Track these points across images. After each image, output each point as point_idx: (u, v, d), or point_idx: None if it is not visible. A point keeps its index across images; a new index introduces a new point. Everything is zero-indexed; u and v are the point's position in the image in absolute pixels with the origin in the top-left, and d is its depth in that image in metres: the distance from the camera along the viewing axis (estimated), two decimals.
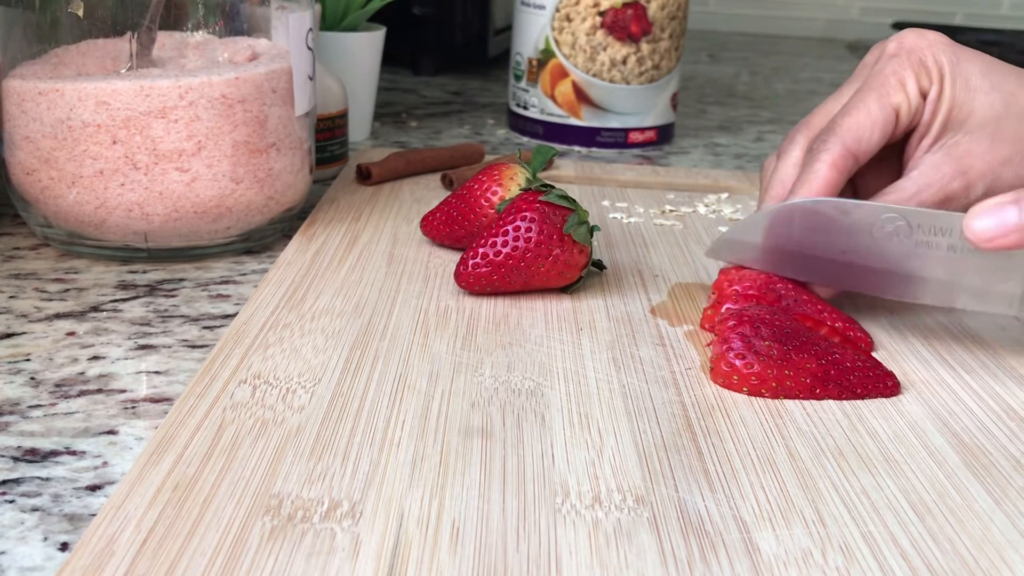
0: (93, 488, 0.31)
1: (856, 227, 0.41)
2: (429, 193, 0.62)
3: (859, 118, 0.43)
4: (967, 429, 0.37)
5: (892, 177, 0.48)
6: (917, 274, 0.41)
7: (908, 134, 0.45)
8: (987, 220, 0.37)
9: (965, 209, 0.42)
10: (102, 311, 0.44)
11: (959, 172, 0.43)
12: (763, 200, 0.47)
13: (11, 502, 0.30)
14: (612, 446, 0.34)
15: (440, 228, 0.51)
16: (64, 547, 0.28)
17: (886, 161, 0.46)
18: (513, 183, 0.49)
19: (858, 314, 0.46)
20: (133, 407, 0.36)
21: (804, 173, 0.43)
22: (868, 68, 0.47)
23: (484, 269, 0.45)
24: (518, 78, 0.82)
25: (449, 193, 0.55)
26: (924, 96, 0.44)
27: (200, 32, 0.51)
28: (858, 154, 0.43)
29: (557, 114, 0.80)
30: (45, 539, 0.29)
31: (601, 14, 0.76)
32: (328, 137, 0.66)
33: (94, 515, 0.30)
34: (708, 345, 0.41)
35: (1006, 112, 0.43)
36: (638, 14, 0.76)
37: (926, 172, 0.43)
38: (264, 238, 0.53)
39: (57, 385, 0.38)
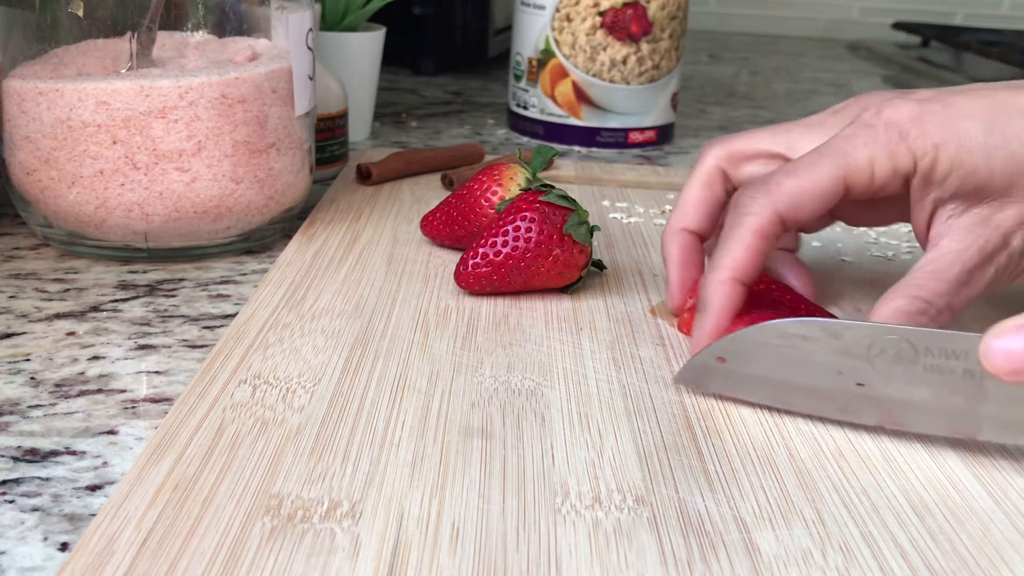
0: (93, 488, 0.31)
1: (849, 351, 0.35)
2: (429, 193, 0.62)
3: (802, 184, 0.39)
4: None
5: (878, 212, 0.44)
6: (927, 403, 0.35)
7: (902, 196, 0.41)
8: (1012, 342, 0.31)
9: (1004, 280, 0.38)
10: (102, 311, 0.44)
11: (990, 231, 0.38)
12: (669, 223, 0.45)
13: (11, 502, 0.30)
14: (612, 446, 0.34)
15: (440, 228, 0.51)
16: (64, 547, 0.28)
17: (872, 200, 0.42)
18: (513, 183, 0.49)
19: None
20: (133, 407, 0.36)
21: (727, 239, 0.39)
22: (835, 122, 0.42)
23: (484, 269, 0.45)
24: (518, 78, 0.82)
25: (449, 193, 0.55)
26: (905, 176, 0.39)
27: (200, 32, 0.51)
28: (788, 222, 0.39)
29: (557, 114, 0.80)
30: (45, 539, 0.29)
31: (601, 14, 0.76)
32: (328, 137, 0.66)
33: (94, 515, 0.30)
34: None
35: None
36: (638, 14, 0.76)
37: (954, 238, 0.39)
38: (264, 238, 0.53)
39: (57, 385, 0.38)
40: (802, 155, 0.40)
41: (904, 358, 0.34)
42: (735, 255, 0.39)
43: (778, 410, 0.37)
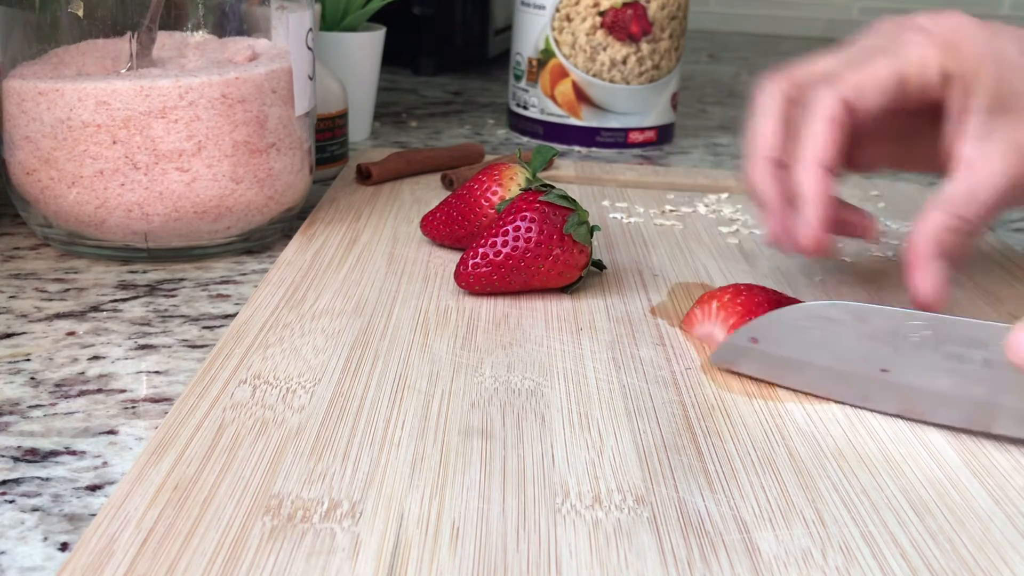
0: (93, 488, 0.31)
1: (875, 336, 0.36)
2: (429, 193, 0.62)
3: (863, 76, 0.41)
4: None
5: (888, 151, 0.46)
6: (947, 391, 0.35)
7: (924, 118, 0.43)
8: None
9: None
10: (102, 311, 0.44)
11: (1020, 156, 0.40)
12: (752, 156, 0.45)
13: (11, 502, 0.30)
14: (612, 446, 0.34)
15: (440, 228, 0.51)
16: (64, 547, 0.28)
17: (885, 132, 0.44)
18: (513, 183, 0.49)
19: None
20: (133, 407, 0.36)
21: (805, 132, 0.41)
22: (880, 34, 0.44)
23: (484, 269, 0.45)
24: (518, 78, 0.82)
25: (449, 193, 0.55)
26: (947, 79, 0.41)
27: (200, 32, 0.51)
28: (856, 111, 0.41)
29: (557, 114, 0.80)
30: (45, 539, 0.29)
31: (601, 14, 0.76)
32: (328, 137, 0.66)
33: (94, 515, 0.30)
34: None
35: None
36: (638, 14, 0.76)
37: (987, 160, 0.40)
38: (264, 238, 0.53)
39: (57, 385, 0.38)
40: (860, 55, 0.42)
41: (927, 344, 0.35)
42: (816, 144, 0.41)
43: (779, 410, 0.37)
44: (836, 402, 0.38)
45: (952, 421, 0.36)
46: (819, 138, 0.41)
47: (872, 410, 0.37)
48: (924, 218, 0.40)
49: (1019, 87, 0.41)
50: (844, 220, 0.46)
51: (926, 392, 0.36)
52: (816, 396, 0.38)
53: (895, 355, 0.36)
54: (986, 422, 0.35)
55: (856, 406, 0.37)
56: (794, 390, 0.38)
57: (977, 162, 0.40)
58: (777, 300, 0.41)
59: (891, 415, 0.37)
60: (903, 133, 0.46)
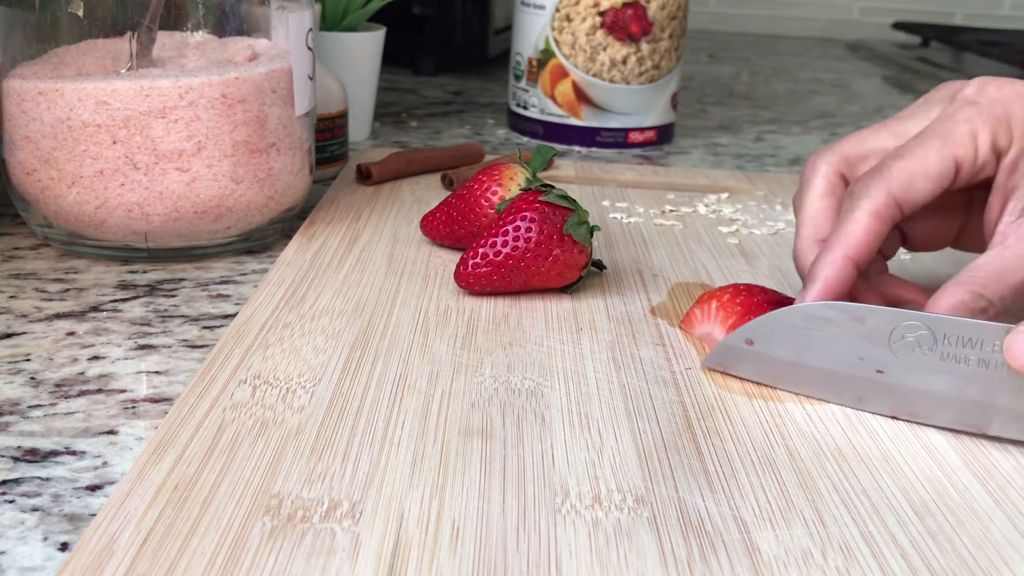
0: (93, 488, 0.31)
1: (871, 337, 0.36)
2: (429, 193, 0.62)
3: (913, 165, 0.38)
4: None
5: (944, 225, 0.44)
6: (942, 393, 0.35)
7: (983, 190, 0.41)
8: None
9: None
10: (102, 311, 0.44)
11: None
12: (800, 237, 0.43)
13: (11, 502, 0.30)
14: (612, 446, 0.34)
15: (440, 228, 0.51)
16: (64, 547, 0.28)
17: (940, 208, 0.42)
18: (513, 183, 0.49)
19: None
20: (133, 407, 0.36)
21: (843, 221, 0.39)
22: (932, 106, 0.42)
23: (484, 269, 0.45)
24: (518, 78, 0.82)
25: (449, 193, 0.55)
26: (998, 155, 0.39)
27: (200, 32, 0.51)
28: (904, 205, 0.39)
29: (557, 114, 0.80)
30: (45, 539, 0.29)
31: (601, 14, 0.76)
32: (328, 137, 0.66)
33: (94, 515, 0.30)
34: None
35: None
36: (638, 14, 0.76)
37: (1021, 242, 0.38)
38: (264, 238, 0.53)
39: (57, 385, 0.38)
40: (908, 140, 0.40)
41: (923, 344, 0.35)
42: (851, 235, 0.38)
43: (779, 410, 0.37)
44: (836, 402, 0.38)
45: (947, 423, 0.36)
46: (855, 232, 0.38)
47: (852, 423, 0.36)
48: (944, 292, 0.38)
49: None
50: (896, 297, 0.44)
51: (921, 393, 0.36)
52: (815, 396, 0.38)
53: (891, 356, 0.36)
54: (981, 423, 0.35)
55: (834, 419, 0.37)
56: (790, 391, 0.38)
57: (1010, 242, 0.38)
58: (777, 300, 0.41)
59: (887, 416, 0.37)
60: (960, 208, 0.44)
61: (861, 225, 0.38)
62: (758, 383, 0.39)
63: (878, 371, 0.36)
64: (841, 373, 0.37)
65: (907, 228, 0.44)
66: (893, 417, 0.37)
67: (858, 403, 0.37)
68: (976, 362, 0.34)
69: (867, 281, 0.43)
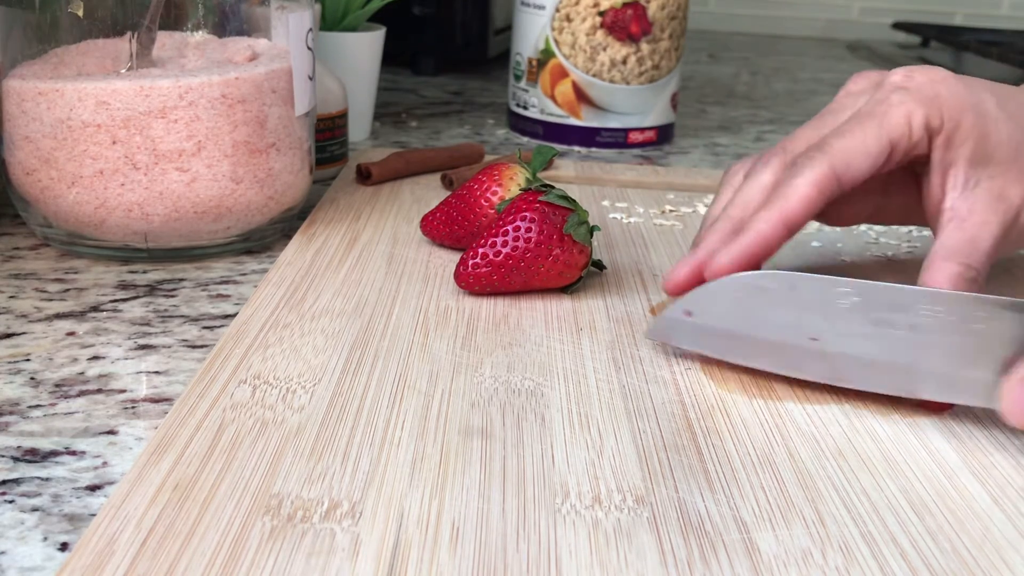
0: (93, 488, 0.31)
1: (806, 304, 0.37)
2: (429, 193, 0.62)
3: (852, 143, 0.40)
4: (967, 428, 0.37)
5: (868, 205, 0.46)
6: (874, 358, 0.36)
7: (913, 174, 0.43)
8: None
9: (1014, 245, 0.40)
10: (102, 311, 0.44)
11: (1007, 206, 0.40)
12: (712, 216, 0.44)
13: (11, 502, 0.30)
14: (612, 446, 0.34)
15: (440, 228, 0.51)
16: (64, 547, 0.28)
17: (862, 189, 0.43)
18: (513, 183, 0.49)
19: None
20: (133, 407, 0.36)
21: (782, 187, 0.40)
22: (862, 96, 0.43)
23: (484, 269, 0.45)
24: (518, 78, 0.82)
25: (449, 193, 0.55)
26: (931, 134, 0.41)
27: (200, 32, 0.51)
28: (843, 180, 0.40)
29: (557, 114, 0.80)
30: (45, 539, 0.29)
31: (601, 14, 0.76)
32: (328, 137, 0.66)
33: (94, 515, 0.30)
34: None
35: None
36: (638, 14, 0.76)
37: (978, 212, 0.40)
38: (264, 238, 0.53)
39: (57, 385, 0.38)
40: (845, 120, 0.42)
41: (856, 311, 0.36)
42: (790, 199, 0.40)
43: (779, 410, 0.37)
44: (836, 402, 0.38)
45: (879, 388, 0.37)
46: (795, 197, 0.40)
47: (851, 423, 0.36)
48: (936, 269, 0.39)
49: (999, 136, 0.41)
50: None
51: (853, 359, 0.36)
52: (814, 396, 0.38)
53: (824, 323, 0.36)
54: (912, 388, 0.36)
55: (833, 419, 0.37)
56: (742, 369, 0.39)
57: (967, 213, 0.40)
58: None
59: (822, 385, 0.38)
60: (878, 189, 0.46)
61: (802, 192, 0.40)
62: (758, 381, 0.39)
63: (812, 338, 0.37)
64: (777, 342, 0.37)
65: (827, 210, 0.45)
66: (826, 384, 0.38)
67: (794, 371, 0.38)
68: (907, 327, 0.35)
69: None
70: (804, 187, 0.40)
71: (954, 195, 0.41)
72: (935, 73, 0.42)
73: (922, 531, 0.30)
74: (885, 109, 0.41)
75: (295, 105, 0.51)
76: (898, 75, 0.42)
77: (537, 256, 0.44)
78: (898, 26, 1.59)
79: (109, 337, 0.42)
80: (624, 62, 0.77)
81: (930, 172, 0.42)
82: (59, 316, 0.43)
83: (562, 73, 0.78)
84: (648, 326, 0.40)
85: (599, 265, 0.49)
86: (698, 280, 0.40)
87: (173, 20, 0.50)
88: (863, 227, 0.60)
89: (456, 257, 0.50)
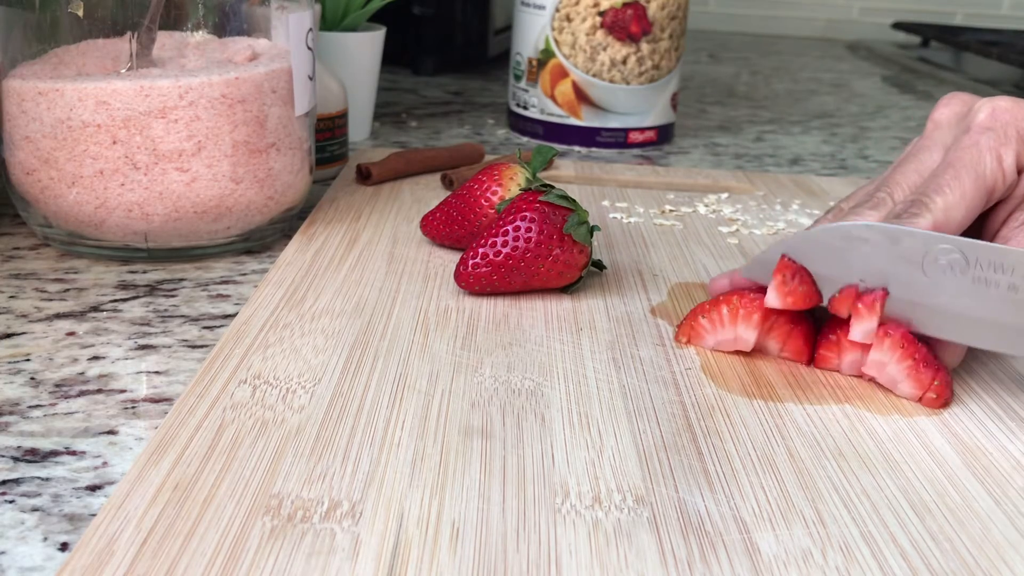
0: (93, 488, 0.31)
1: (905, 258, 0.38)
2: (429, 193, 0.62)
3: (953, 199, 0.40)
4: (967, 429, 0.37)
5: None
6: (972, 315, 0.37)
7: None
8: None
9: None
10: (102, 311, 0.44)
11: None
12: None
13: (11, 502, 0.30)
14: (612, 446, 0.34)
15: (440, 228, 0.51)
16: (64, 547, 0.28)
17: None
18: (513, 183, 0.49)
19: None
20: (133, 407, 0.36)
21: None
22: (950, 131, 0.44)
23: (484, 269, 0.45)
24: (518, 78, 0.82)
25: (449, 193, 0.55)
26: (1020, 171, 0.41)
27: (200, 32, 0.51)
28: (944, 232, 0.40)
29: (557, 114, 0.80)
30: (45, 539, 0.29)
31: (601, 14, 0.76)
32: (328, 137, 0.66)
33: (94, 515, 0.30)
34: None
35: None
36: (638, 14, 0.76)
37: None
38: (264, 238, 0.53)
39: (57, 385, 0.38)
40: (937, 171, 0.42)
41: (956, 267, 0.37)
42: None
43: (779, 410, 0.37)
44: (836, 402, 0.38)
45: (975, 343, 0.38)
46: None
47: (851, 423, 0.36)
48: None
49: None
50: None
51: (951, 314, 0.37)
52: (814, 396, 0.38)
53: (923, 277, 0.38)
54: (1010, 344, 0.37)
55: (832, 419, 0.37)
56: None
57: (1012, 245, 0.40)
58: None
59: (822, 384, 0.39)
60: None
61: None
62: (758, 381, 0.39)
63: (905, 288, 0.38)
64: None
65: None
66: (827, 385, 0.39)
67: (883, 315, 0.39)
68: (1006, 287, 0.36)
69: None
70: None
71: (1011, 226, 0.41)
72: (1017, 107, 0.42)
73: (922, 531, 0.30)
74: (977, 156, 0.41)
75: (295, 105, 0.51)
76: (983, 113, 0.42)
77: (537, 256, 0.44)
78: (898, 26, 1.59)
79: (109, 337, 0.42)
80: (624, 62, 0.77)
81: (1003, 202, 0.42)
82: (59, 316, 0.43)
83: (562, 73, 0.78)
84: (744, 264, 0.42)
85: (599, 265, 0.49)
86: None
87: (173, 20, 0.50)
88: None
89: (456, 257, 0.50)
